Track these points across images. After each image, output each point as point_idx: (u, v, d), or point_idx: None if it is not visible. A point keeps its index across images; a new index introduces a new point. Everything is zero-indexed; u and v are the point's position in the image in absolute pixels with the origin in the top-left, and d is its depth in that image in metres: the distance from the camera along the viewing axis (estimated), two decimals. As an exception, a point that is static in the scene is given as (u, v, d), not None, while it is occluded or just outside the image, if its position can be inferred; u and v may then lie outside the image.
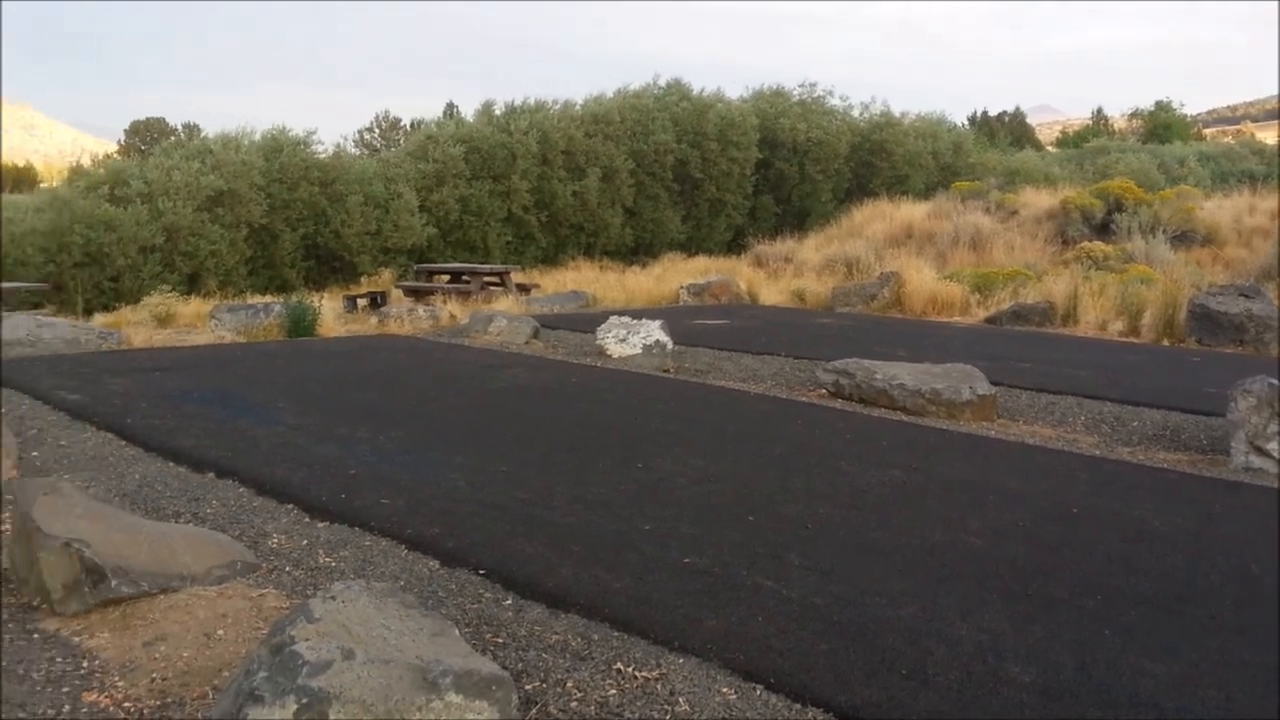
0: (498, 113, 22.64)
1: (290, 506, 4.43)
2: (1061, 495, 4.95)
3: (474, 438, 5.86)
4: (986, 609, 3.43)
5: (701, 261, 20.51)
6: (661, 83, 25.13)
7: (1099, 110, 52.69)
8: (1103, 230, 18.00)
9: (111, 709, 2.68)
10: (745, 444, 5.86)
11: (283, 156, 18.37)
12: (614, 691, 2.82)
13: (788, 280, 16.21)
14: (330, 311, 11.83)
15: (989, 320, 12.76)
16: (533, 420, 6.41)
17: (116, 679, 2.85)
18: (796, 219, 25.48)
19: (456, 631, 2.75)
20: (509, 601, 3.44)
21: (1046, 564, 3.91)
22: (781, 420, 6.58)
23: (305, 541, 4.01)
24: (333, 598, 2.66)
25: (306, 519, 4.28)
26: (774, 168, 25.76)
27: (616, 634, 3.19)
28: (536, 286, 16.31)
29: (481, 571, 3.68)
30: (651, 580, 3.64)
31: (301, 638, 2.42)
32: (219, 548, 3.71)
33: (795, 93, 27.10)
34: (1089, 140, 37.28)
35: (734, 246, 24.18)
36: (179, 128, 46.97)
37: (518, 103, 22.88)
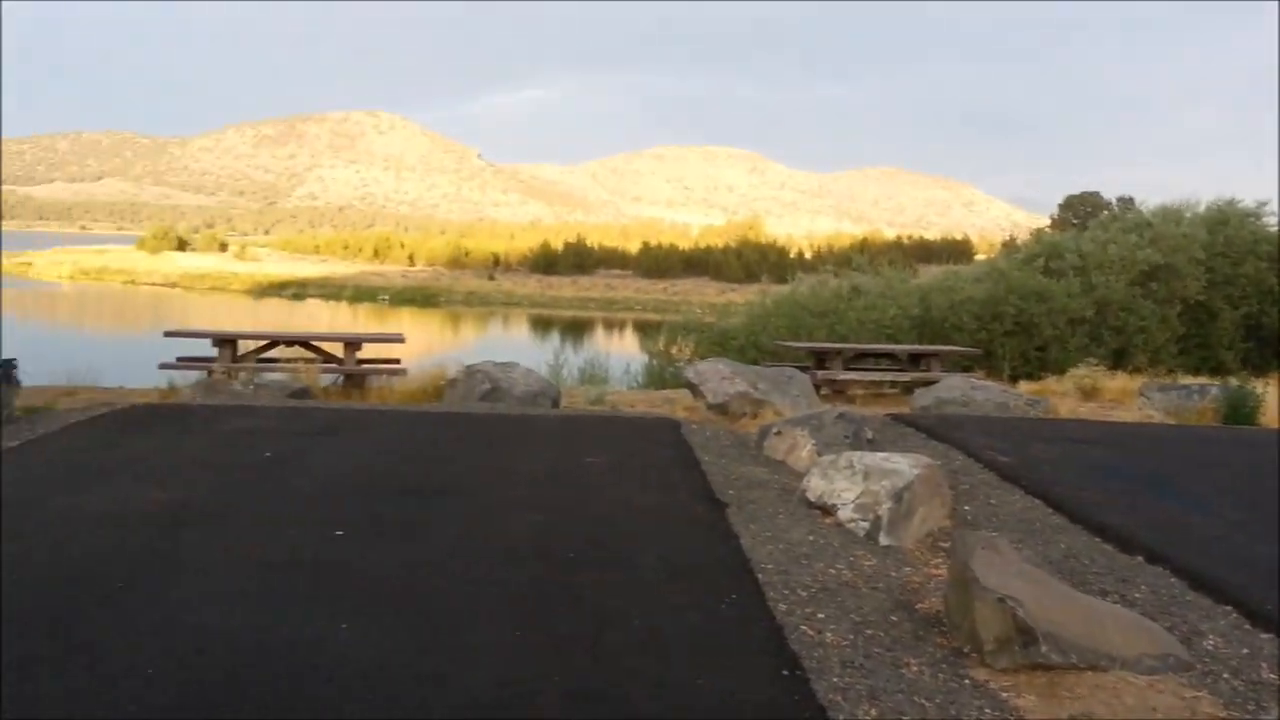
0: None
1: (1228, 608, 4.01)
2: None
3: None
4: None
5: None
6: None
7: None
8: None
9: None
10: None
11: (1228, 230, 17.17)
12: None
13: None
14: (1274, 398, 10.60)
15: None
16: None
17: (1044, 745, 2.85)
18: None
19: None
20: None
21: None
22: None
23: (1245, 650, 3.60)
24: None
25: (1247, 625, 3.85)
26: None
27: None
28: None
29: None
30: None
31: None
32: (1150, 636, 3.52)
33: None
34: None
35: None
36: (1113, 201, 47.21)
37: None
